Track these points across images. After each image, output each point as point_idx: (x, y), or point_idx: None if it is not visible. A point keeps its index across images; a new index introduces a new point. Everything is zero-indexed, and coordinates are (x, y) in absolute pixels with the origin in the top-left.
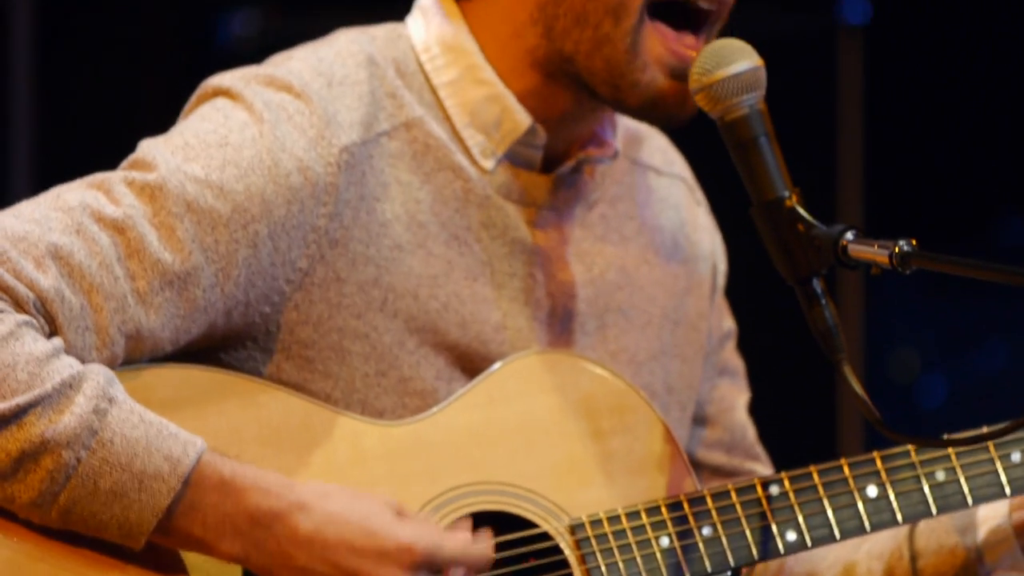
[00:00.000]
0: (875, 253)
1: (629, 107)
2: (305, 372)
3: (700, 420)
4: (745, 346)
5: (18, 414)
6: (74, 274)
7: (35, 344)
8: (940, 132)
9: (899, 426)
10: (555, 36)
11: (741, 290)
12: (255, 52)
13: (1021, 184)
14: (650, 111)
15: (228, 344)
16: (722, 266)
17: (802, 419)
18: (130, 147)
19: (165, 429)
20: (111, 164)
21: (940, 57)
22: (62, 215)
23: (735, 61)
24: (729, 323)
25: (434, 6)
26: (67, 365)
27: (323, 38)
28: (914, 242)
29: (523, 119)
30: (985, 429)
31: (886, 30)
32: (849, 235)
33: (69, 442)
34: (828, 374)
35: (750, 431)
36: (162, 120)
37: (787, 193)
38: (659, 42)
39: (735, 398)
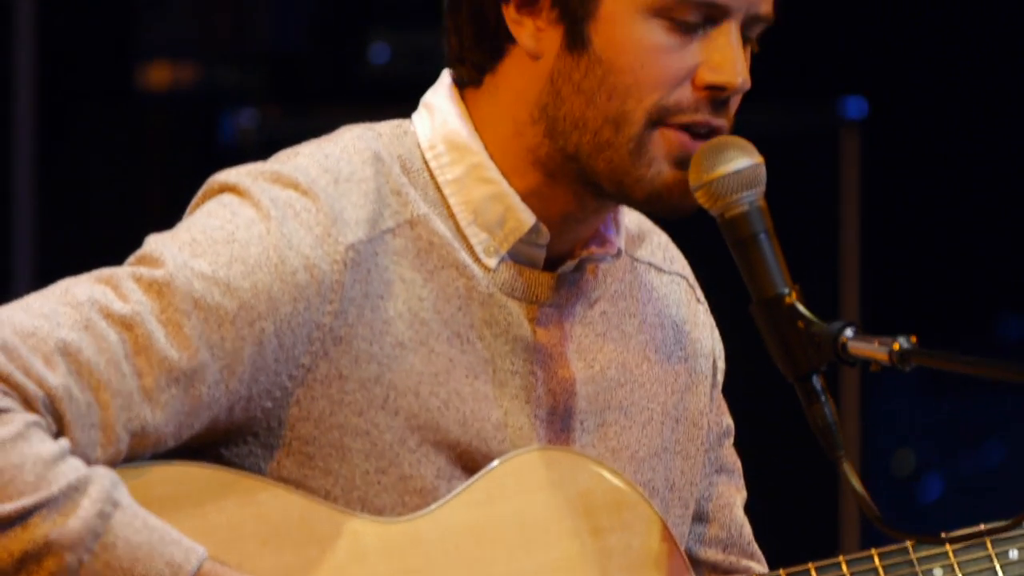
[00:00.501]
0: (874, 350)
1: (635, 200)
2: (305, 468)
3: (697, 516)
4: (745, 442)
5: (23, 516)
6: (82, 371)
7: (42, 445)
8: (939, 229)
9: (898, 523)
10: (556, 136)
11: (741, 387)
12: (257, 148)
13: (1019, 282)
14: (656, 202)
15: (229, 439)
16: (721, 364)
17: (802, 515)
18: (135, 242)
19: (168, 535)
20: (116, 260)
21: (938, 152)
22: (71, 310)
23: (735, 158)
24: (727, 420)
25: (440, 103)
26: (73, 468)
27: (329, 135)
28: (914, 339)
29: (527, 218)
30: (983, 527)
31: (884, 125)
32: (848, 332)
33: (73, 545)
34: (828, 470)
35: (746, 529)
36: (167, 214)
37: (787, 290)
38: (667, 140)
39: (732, 496)
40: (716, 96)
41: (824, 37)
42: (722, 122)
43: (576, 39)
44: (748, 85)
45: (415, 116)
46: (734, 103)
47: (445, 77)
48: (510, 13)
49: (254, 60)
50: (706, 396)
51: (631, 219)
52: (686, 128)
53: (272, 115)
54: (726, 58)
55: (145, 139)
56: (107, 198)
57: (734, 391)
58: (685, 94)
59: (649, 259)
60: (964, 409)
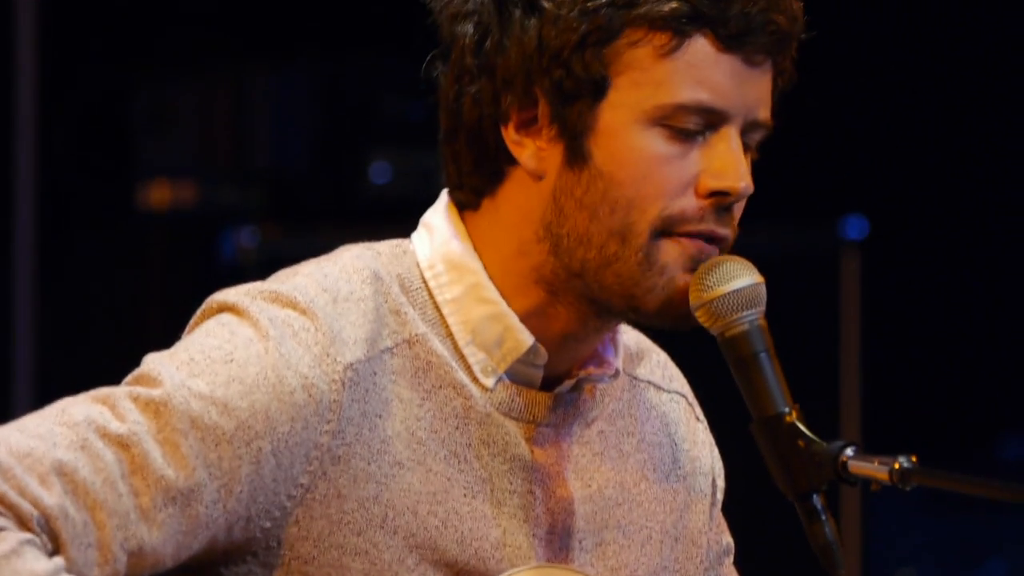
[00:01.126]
0: (875, 469)
1: (646, 312)
2: None
3: None
4: (745, 560)
5: None
6: (78, 491)
7: (37, 563)
8: (940, 349)
9: None
10: (561, 254)
11: (740, 505)
12: (257, 267)
13: (1020, 401)
14: (668, 311)
15: (229, 558)
16: (721, 482)
17: None
18: (135, 361)
19: None
20: (116, 379)
21: (938, 272)
22: (67, 430)
23: (735, 278)
24: (727, 539)
25: (439, 223)
26: None
27: (328, 254)
28: (914, 458)
29: (525, 339)
30: None
31: (884, 245)
32: (849, 451)
33: None
34: None
35: None
36: (167, 333)
37: (787, 409)
38: (677, 244)
39: None
40: (720, 203)
41: (825, 157)
42: (727, 231)
43: (576, 154)
44: (751, 189)
45: (414, 236)
46: (738, 210)
47: (444, 196)
48: (510, 135)
49: (254, 179)
50: (705, 515)
51: (630, 337)
52: (692, 237)
53: (272, 234)
54: (727, 163)
55: (145, 258)
56: (107, 317)
57: (733, 509)
58: (689, 203)
59: (648, 377)
60: (965, 528)
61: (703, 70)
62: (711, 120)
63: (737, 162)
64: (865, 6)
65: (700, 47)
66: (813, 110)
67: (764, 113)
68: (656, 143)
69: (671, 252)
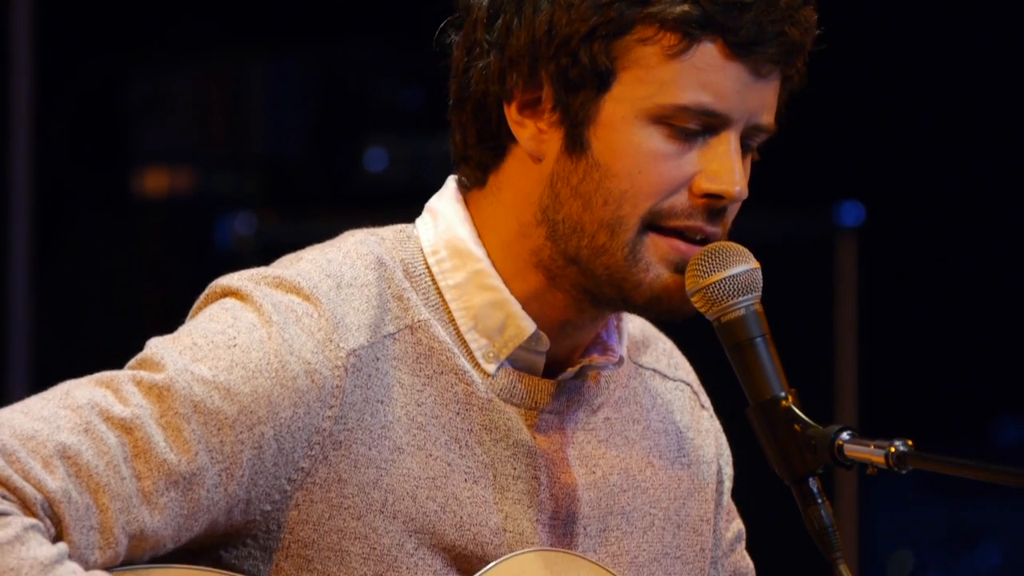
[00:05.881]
0: (871, 453)
1: (635, 305)
2: (304, 571)
3: None
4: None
5: None
6: (81, 474)
7: (40, 549)
8: (936, 333)
9: None
10: (558, 239)
11: (737, 489)
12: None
13: (1016, 386)
14: (656, 306)
15: (228, 541)
16: (728, 469)
17: None
18: (132, 347)
19: None
20: (113, 365)
21: (934, 257)
22: (71, 413)
23: (732, 263)
24: (738, 525)
25: (444, 208)
26: (70, 571)
27: (332, 240)
28: (910, 442)
29: (527, 326)
30: None
31: (880, 231)
32: (845, 435)
33: None
34: (825, 573)
35: None
36: (164, 319)
37: (783, 393)
38: (662, 243)
39: None
40: (713, 205)
41: (821, 144)
42: (717, 230)
43: (575, 142)
44: (745, 195)
45: (418, 221)
46: (731, 212)
47: (450, 183)
48: (512, 114)
49: (250, 166)
50: (709, 503)
51: (635, 325)
52: (679, 233)
53: (268, 220)
54: (724, 167)
55: (142, 244)
56: (103, 303)
57: (732, 493)
58: (680, 200)
59: (653, 365)
60: (961, 512)
61: (709, 74)
62: (712, 123)
63: (734, 167)
64: None
65: (708, 52)
66: (809, 97)
67: (767, 119)
68: (655, 140)
69: (656, 250)
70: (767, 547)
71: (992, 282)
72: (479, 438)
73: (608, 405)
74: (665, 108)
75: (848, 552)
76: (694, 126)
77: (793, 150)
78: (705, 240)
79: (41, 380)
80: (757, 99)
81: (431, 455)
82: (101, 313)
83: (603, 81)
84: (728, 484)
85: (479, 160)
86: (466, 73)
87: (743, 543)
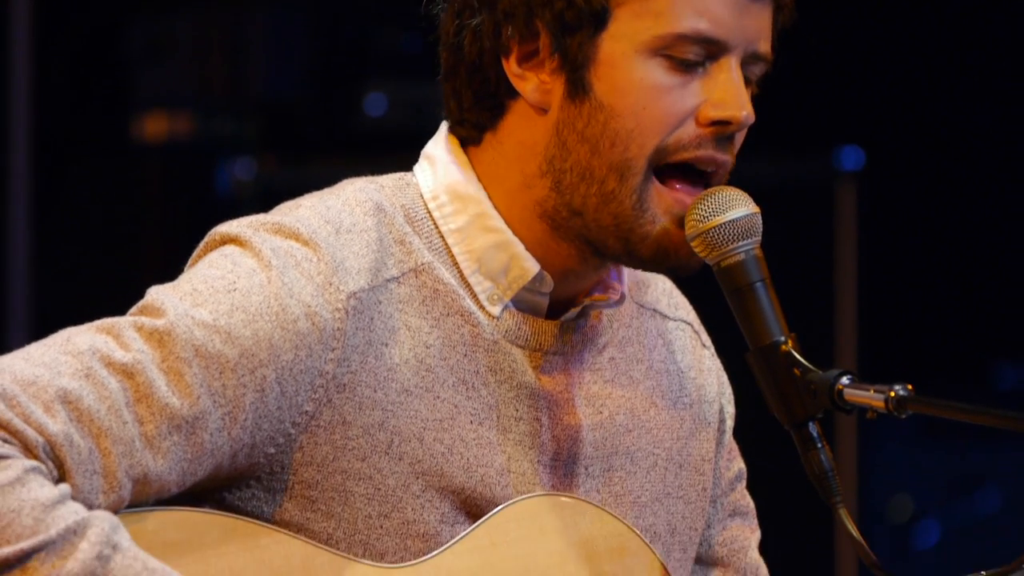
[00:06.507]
0: (871, 398)
1: (641, 258)
2: (308, 512)
3: (712, 562)
4: None
5: (22, 559)
6: (83, 418)
7: (41, 490)
8: (936, 279)
9: (894, 568)
10: (563, 189)
11: (737, 433)
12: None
13: (1016, 331)
14: (662, 260)
15: (232, 484)
16: (729, 408)
17: (799, 561)
18: (132, 292)
19: None
20: (113, 310)
21: (934, 202)
22: (72, 359)
23: (731, 208)
24: (739, 464)
25: (442, 155)
26: (72, 512)
27: (331, 188)
28: (910, 387)
29: (531, 266)
30: (983, 574)
31: (880, 175)
32: (845, 380)
33: None
34: (824, 517)
35: (762, 570)
36: (163, 264)
37: (783, 338)
38: (668, 195)
39: (747, 538)
40: (721, 132)
41: (820, 88)
42: (727, 157)
43: (578, 86)
44: (752, 119)
45: (416, 168)
46: (739, 138)
47: (444, 128)
48: (511, 68)
49: (250, 110)
50: (710, 442)
51: None
52: (688, 168)
53: (268, 165)
54: (728, 93)
55: (141, 189)
56: (103, 248)
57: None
58: (687, 132)
59: (654, 305)
60: (960, 456)
61: (704, 1)
62: (711, 51)
63: (738, 91)
64: None
65: None
66: (809, 40)
67: (764, 46)
68: (656, 74)
69: (661, 201)
70: (767, 492)
71: (992, 227)
72: (484, 380)
73: (612, 345)
74: (663, 39)
75: (848, 496)
76: (694, 56)
77: (793, 94)
78: (717, 170)
79: (41, 326)
80: (753, 24)
81: (439, 397)
82: (101, 258)
83: (599, 20)
84: (729, 423)
85: (475, 122)
86: (458, 36)
87: (743, 482)
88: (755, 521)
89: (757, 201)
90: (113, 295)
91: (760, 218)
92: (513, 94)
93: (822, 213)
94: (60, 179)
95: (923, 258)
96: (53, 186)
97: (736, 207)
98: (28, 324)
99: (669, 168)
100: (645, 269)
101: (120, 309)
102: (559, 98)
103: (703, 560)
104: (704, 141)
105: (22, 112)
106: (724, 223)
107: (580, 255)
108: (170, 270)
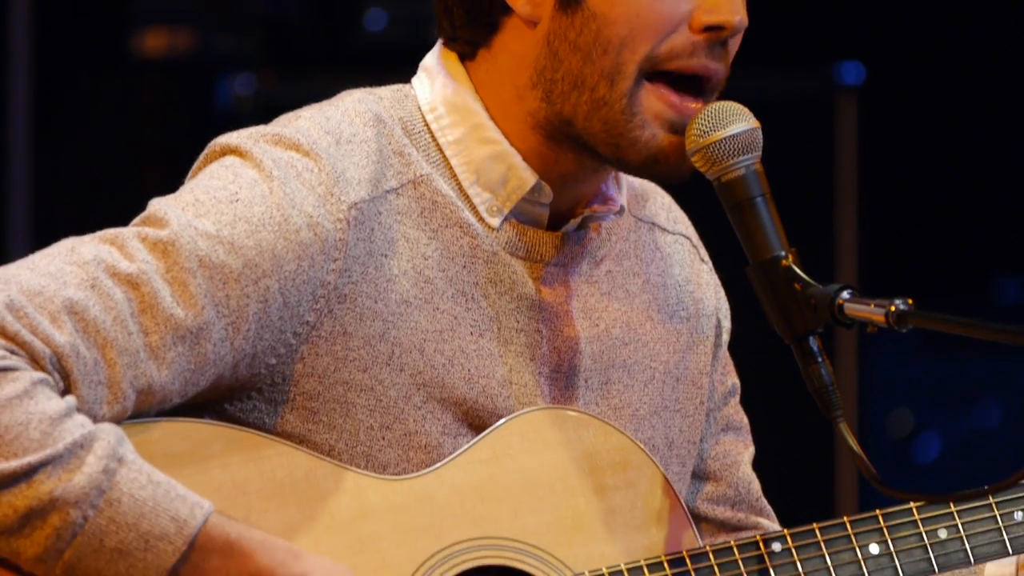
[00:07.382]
0: (871, 312)
1: (631, 164)
2: (309, 424)
3: (704, 476)
4: (741, 403)
5: (28, 472)
6: (89, 329)
7: (48, 403)
8: (936, 193)
9: (894, 482)
10: (554, 99)
11: (737, 348)
12: (252, 114)
13: (1017, 245)
14: (652, 167)
15: (234, 395)
16: (726, 323)
17: (799, 475)
18: (132, 208)
19: (173, 490)
20: (115, 224)
21: (934, 117)
22: (77, 269)
23: (732, 123)
24: (733, 379)
25: (439, 68)
26: (79, 425)
27: (330, 99)
28: (911, 301)
29: (528, 177)
30: (984, 488)
31: (881, 90)
32: (845, 294)
33: (78, 501)
34: (825, 431)
35: (755, 485)
36: (163, 180)
37: (783, 253)
38: (657, 99)
39: (739, 453)
40: (714, 38)
41: (821, 3)
42: (719, 66)
43: None
44: (746, 23)
45: (414, 80)
46: (733, 45)
47: (440, 43)
48: None
49: (250, 26)
50: (707, 355)
51: (633, 180)
52: (681, 77)
53: (268, 81)
54: None
55: (141, 106)
56: (103, 164)
57: (731, 352)
58: (680, 39)
59: (653, 219)
60: (961, 370)
61: None
62: None
63: None
64: None
65: None
66: None
67: None
68: None
69: (650, 105)
70: (767, 407)
71: (993, 142)
72: (484, 291)
73: (610, 258)
74: None
75: (848, 410)
76: None
77: (793, 9)
78: (710, 78)
79: (42, 243)
80: None
81: (438, 308)
82: (101, 173)
83: None
84: (726, 337)
85: (468, 38)
86: None
87: (737, 397)
88: (748, 437)
89: (757, 116)
90: (114, 210)
91: (760, 133)
92: (505, 10)
93: (823, 128)
94: (60, 94)
95: (923, 173)
96: (53, 101)
97: (736, 122)
98: (29, 239)
99: (660, 76)
100: (635, 175)
101: (120, 223)
102: (550, 10)
103: (696, 474)
104: (697, 49)
105: (21, 28)
106: (724, 138)
107: (578, 160)
108: (170, 184)
